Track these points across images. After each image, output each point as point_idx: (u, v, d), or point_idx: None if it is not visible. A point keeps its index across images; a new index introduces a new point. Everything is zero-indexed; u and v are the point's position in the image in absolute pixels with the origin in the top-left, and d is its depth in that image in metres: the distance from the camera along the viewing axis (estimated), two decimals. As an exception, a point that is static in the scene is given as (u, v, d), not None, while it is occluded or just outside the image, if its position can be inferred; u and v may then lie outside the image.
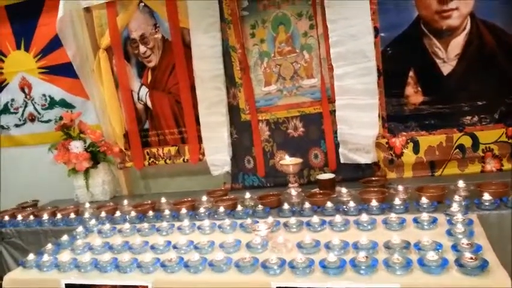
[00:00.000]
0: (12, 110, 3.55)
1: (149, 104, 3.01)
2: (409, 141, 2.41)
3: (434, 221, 1.67)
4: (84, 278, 1.70)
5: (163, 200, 2.45)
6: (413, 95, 2.38)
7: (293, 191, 2.24)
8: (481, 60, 2.23)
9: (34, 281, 1.80)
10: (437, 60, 2.30)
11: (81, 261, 1.77)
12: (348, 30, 2.30)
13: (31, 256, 1.92)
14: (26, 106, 3.51)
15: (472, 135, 2.30)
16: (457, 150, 2.33)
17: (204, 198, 2.37)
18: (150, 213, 2.30)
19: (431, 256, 1.35)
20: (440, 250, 1.42)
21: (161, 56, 2.90)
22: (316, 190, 2.26)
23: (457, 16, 2.21)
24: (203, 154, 2.86)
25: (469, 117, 2.30)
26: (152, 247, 1.83)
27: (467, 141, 2.31)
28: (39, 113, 3.48)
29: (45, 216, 2.55)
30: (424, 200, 1.84)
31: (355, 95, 2.36)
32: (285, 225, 1.86)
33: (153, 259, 1.68)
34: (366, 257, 1.42)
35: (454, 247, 1.43)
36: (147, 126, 3.06)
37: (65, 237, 2.10)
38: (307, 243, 1.61)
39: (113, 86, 3.03)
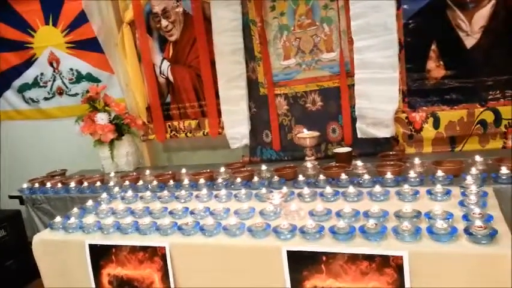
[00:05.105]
0: (41, 84, 3.69)
1: (171, 77, 3.07)
2: (429, 116, 2.37)
3: (448, 192, 1.66)
4: (106, 239, 1.80)
5: (183, 171, 2.52)
6: (435, 69, 2.33)
7: (309, 163, 2.26)
8: (506, 33, 2.16)
9: (60, 241, 1.91)
10: (461, 33, 2.24)
11: (104, 224, 1.86)
12: (370, 2, 2.26)
13: (58, 219, 2.03)
14: (54, 80, 3.64)
15: (495, 110, 2.24)
16: (479, 125, 2.29)
17: (222, 169, 2.43)
18: (171, 182, 2.38)
19: (441, 224, 1.36)
20: (450, 219, 1.43)
21: (182, 30, 2.93)
22: (333, 163, 2.27)
23: (484, -13, 2.15)
24: (223, 128, 2.91)
25: (492, 92, 2.24)
26: (171, 212, 1.90)
27: (489, 117, 2.26)
28: (67, 87, 3.60)
29: (73, 184, 2.67)
30: (439, 173, 1.83)
31: (375, 68, 2.34)
32: (299, 195, 1.89)
33: (170, 223, 1.75)
34: (376, 224, 1.44)
35: (465, 217, 1.43)
36: (168, 99, 3.12)
37: (89, 202, 2.20)
38: (319, 211, 1.64)
39: (136, 60, 3.10)
